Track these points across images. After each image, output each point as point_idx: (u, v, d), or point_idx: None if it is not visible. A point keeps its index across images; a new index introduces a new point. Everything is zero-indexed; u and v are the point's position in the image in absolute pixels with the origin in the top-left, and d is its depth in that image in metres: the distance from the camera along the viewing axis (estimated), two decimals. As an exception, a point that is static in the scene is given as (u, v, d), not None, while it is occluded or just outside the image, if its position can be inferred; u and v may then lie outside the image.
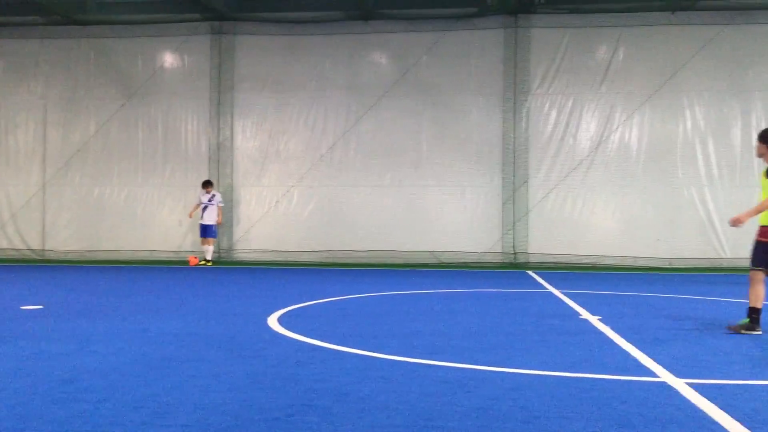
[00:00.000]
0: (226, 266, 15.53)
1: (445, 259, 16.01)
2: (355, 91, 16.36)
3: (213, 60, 16.72)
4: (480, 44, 16.09)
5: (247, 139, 16.76)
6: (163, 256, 16.69)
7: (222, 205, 15.99)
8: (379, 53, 16.52)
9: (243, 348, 5.70)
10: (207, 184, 15.81)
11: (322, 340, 6.00)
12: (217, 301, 9.00)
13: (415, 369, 4.94)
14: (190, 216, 16.02)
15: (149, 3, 16.65)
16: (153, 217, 16.93)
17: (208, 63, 16.74)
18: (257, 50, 16.64)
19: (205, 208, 15.71)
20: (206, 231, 15.76)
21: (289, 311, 7.98)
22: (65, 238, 17.03)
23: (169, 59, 16.94)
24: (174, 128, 16.90)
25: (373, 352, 5.53)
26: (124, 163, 16.96)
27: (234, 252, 16.67)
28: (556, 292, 10.38)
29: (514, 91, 15.95)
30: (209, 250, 15.69)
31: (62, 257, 16.84)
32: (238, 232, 16.70)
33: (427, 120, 16.25)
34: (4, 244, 17.10)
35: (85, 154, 16.98)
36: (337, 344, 5.83)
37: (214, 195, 15.80)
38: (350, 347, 5.70)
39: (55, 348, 5.62)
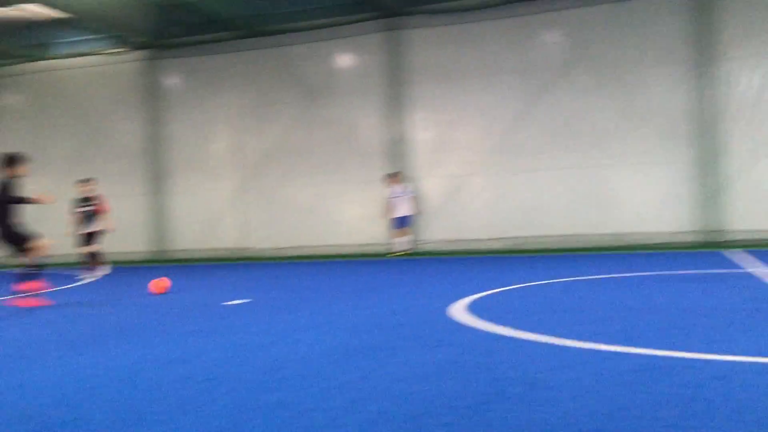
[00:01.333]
0: (410, 257, 15.88)
1: (631, 241, 15.30)
2: (529, 74, 16.05)
3: (386, 56, 17.15)
4: (659, 10, 15.19)
5: (423, 130, 17.03)
6: (349, 250, 17.40)
7: (414, 195, 16.39)
8: (550, 32, 16.09)
9: (430, 337, 5.82)
10: (393, 176, 16.13)
11: (509, 328, 5.98)
12: (402, 291, 9.25)
13: (608, 356, 4.78)
14: (387, 216, 16.38)
15: (323, 8, 17.40)
16: (337, 212, 17.70)
17: (382, 59, 17.19)
18: (428, 42, 16.84)
19: (395, 200, 16.04)
20: (402, 222, 16.14)
21: (474, 300, 8.02)
22: (261, 237, 18.28)
23: (345, 60, 17.60)
24: (352, 126, 17.55)
25: (563, 339, 5.42)
26: (309, 162, 17.88)
27: (417, 243, 17.01)
28: (758, 273, 9.56)
29: (704, 58, 14.85)
30: (404, 241, 16.14)
31: (260, 254, 18.11)
32: (420, 223, 17.01)
33: (605, 97, 15.59)
34: (210, 244, 18.66)
35: (274, 157, 18.12)
36: (525, 332, 5.78)
37: (404, 186, 16.13)
38: (538, 334, 5.63)
39: (257, 339, 6.07)
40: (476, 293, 8.56)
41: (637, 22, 15.33)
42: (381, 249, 17.15)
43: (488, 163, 16.42)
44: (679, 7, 15.05)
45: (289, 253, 17.80)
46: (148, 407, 3.99)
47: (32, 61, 19.64)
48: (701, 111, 14.92)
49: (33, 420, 3.85)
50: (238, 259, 17.96)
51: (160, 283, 9.33)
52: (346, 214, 17.63)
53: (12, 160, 9.04)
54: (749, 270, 10.04)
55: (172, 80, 19.05)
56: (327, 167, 17.71)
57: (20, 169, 9.02)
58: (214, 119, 18.59)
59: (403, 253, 16.04)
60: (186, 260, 18.31)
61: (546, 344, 5.30)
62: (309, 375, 4.61)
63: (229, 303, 8.78)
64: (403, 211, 16.02)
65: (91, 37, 18.67)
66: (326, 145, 17.74)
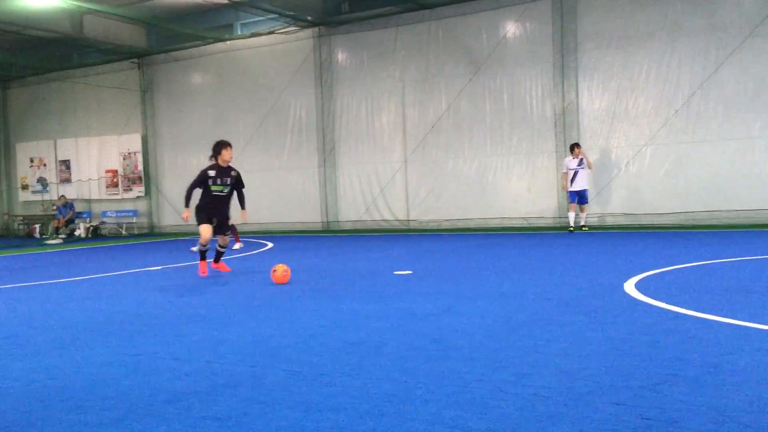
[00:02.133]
0: (575, 231, 15.40)
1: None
2: (714, 35, 14.85)
3: (555, 23, 16.56)
4: None
5: (593, 100, 16.33)
6: (514, 223, 17.17)
7: (592, 168, 15.44)
8: (738, -11, 14.75)
9: (601, 313, 5.63)
10: (574, 148, 15.13)
11: (685, 308, 5.65)
12: (571, 266, 9.00)
13: (801, 342, 4.39)
14: (564, 189, 15.46)
15: (489, -23, 17.07)
16: (503, 185, 17.48)
17: (550, 27, 16.63)
18: (600, 6, 16.05)
19: (576, 173, 15.09)
20: (579, 197, 15.15)
21: (647, 276, 7.64)
22: (426, 209, 18.47)
23: (511, 29, 17.21)
24: (519, 96, 17.17)
25: (746, 321, 5.04)
26: (474, 134, 17.75)
27: (588, 217, 16.44)
28: None
29: None
30: (582, 217, 15.27)
31: (424, 226, 18.33)
32: (594, 196, 16.36)
33: (803, 58, 14.09)
34: (376, 216, 19.14)
35: (439, 129, 18.16)
36: (703, 312, 5.43)
37: (581, 159, 15.08)
38: (718, 315, 5.27)
39: (424, 309, 6.18)
40: (653, 269, 8.15)
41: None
42: (548, 222, 16.74)
43: (664, 133, 15.44)
44: None
45: (454, 225, 17.86)
46: (321, 369, 4.19)
47: (215, 42, 20.97)
48: None
49: (218, 375, 4.18)
50: (404, 230, 18.30)
51: (280, 275, 8.40)
52: (512, 186, 17.36)
53: (219, 146, 9.63)
54: None
55: (342, 55, 19.59)
56: (493, 139, 17.49)
57: (226, 154, 9.51)
58: (381, 92, 18.91)
59: (583, 228, 15.22)
60: (353, 230, 18.92)
61: (729, 325, 4.95)
62: (475, 347, 4.63)
63: (398, 272, 8.98)
64: (582, 184, 15.08)
65: (267, 17, 19.59)
66: (492, 117, 17.50)
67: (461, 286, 7.58)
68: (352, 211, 19.47)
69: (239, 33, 20.41)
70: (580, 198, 15.15)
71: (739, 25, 14.59)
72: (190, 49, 21.69)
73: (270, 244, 15.34)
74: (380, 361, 4.32)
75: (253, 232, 19.33)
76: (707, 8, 14.92)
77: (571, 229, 15.15)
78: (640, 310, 5.69)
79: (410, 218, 18.69)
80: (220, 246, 9.86)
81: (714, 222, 14.83)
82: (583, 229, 15.18)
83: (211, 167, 9.51)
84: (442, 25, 18.00)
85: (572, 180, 15.10)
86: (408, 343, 4.81)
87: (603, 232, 14.98)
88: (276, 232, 19.49)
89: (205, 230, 9.35)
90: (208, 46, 21.29)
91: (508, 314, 5.74)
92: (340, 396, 3.63)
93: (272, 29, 19.90)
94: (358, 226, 19.16)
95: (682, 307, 5.70)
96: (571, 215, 15.21)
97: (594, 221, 16.18)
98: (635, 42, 15.64)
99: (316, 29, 19.69)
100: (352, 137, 19.49)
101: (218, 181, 9.43)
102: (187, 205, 9.40)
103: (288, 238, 17.06)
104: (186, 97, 22.15)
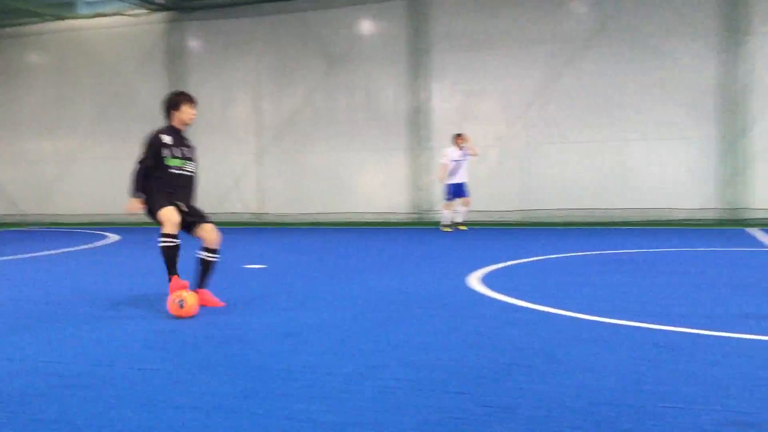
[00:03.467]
0: (426, 227, 15.88)
1: (654, 216, 15.18)
2: (555, 44, 15.83)
3: (409, 23, 16.96)
4: (691, -17, 14.83)
5: (444, 100, 16.90)
6: (369, 218, 17.44)
7: (478, 153, 14.40)
8: (579, 2, 15.81)
9: (449, 307, 5.85)
10: (458, 137, 14.12)
11: (527, 301, 5.99)
12: (421, 262, 9.27)
13: (625, 331, 4.79)
14: (441, 179, 14.32)
15: (346, -27, 17.21)
16: (358, 180, 17.70)
17: (405, 26, 17.02)
18: (453, 9, 16.63)
19: (457, 165, 14.05)
20: (459, 191, 14.15)
21: (496, 271, 8.03)
22: (281, 202, 18.33)
23: (367, 26, 17.44)
24: (374, 93, 17.45)
25: (581, 313, 5.42)
26: (330, 129, 17.84)
27: (434, 213, 16.99)
28: (784, 251, 9.47)
29: (732, 32, 14.56)
30: (462, 213, 14.31)
31: (279, 220, 18.19)
32: (438, 192, 16.92)
33: (632, 70, 15.35)
34: (230, 209, 18.77)
35: (295, 123, 18.09)
36: (543, 305, 5.79)
37: (465, 150, 14.03)
38: (556, 308, 5.64)
39: (277, 303, 6.14)
40: (498, 264, 8.57)
41: (666, -6, 15.05)
42: (402, 218, 17.14)
43: (509, 135, 16.29)
44: (710, -22, 14.73)
45: (309, 219, 17.86)
46: (168, 366, 4.06)
47: (54, 20, 19.66)
48: (729, 87, 14.66)
49: (53, 375, 3.94)
50: (257, 224, 18.07)
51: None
52: (367, 181, 17.63)
53: (178, 99, 6.44)
54: (771, 249, 9.95)
55: (195, 43, 19.00)
56: (347, 134, 17.66)
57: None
58: (236, 83, 18.54)
59: (460, 226, 14.23)
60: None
61: (564, 317, 5.31)
62: (328, 341, 4.66)
63: (249, 266, 8.85)
64: (462, 176, 14.08)
65: (114, -3, 18.69)
66: (347, 112, 17.68)
67: (315, 280, 7.60)
68: (204, 203, 18.88)
69: (81, 12, 19.25)
70: (459, 191, 14.12)
71: (578, 35, 15.63)
72: (26, 26, 20.19)
73: (116, 237, 14.61)
74: (231, 356, 4.26)
75: (96, 224, 18.34)
76: (551, 18, 15.87)
77: (448, 229, 14.24)
78: (486, 304, 5.97)
79: (265, 212, 18.49)
80: (209, 252, 6.06)
81: (552, 220, 15.81)
82: (460, 227, 14.24)
83: (164, 130, 6.18)
84: (300, 18, 17.92)
85: (453, 172, 14.06)
86: (260, 338, 4.77)
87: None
88: (122, 224, 18.59)
89: (170, 213, 5.82)
90: (47, 23, 19.92)
91: (361, 309, 5.82)
92: (187, 394, 3.53)
93: (119, 11, 18.93)
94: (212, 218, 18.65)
95: (522, 299, 6.04)
96: (447, 213, 14.33)
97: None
98: (485, 46, 16.35)
99: (167, 14, 18.96)
100: (205, 128, 18.95)
101: (177, 152, 6.09)
102: (139, 189, 5.93)
103: (135, 231, 16.33)
104: (21, 78, 20.62)
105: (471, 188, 16.67)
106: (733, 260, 8.88)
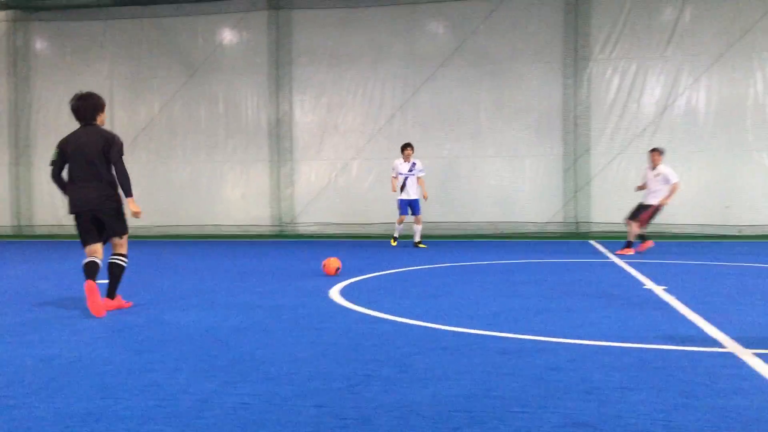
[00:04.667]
0: (288, 239, 15.80)
1: (505, 230, 15.93)
2: (412, 62, 16.30)
3: (271, 35, 16.88)
4: (538, 10, 15.79)
5: (305, 113, 16.93)
6: (228, 230, 17.10)
7: (423, 174, 13.28)
8: (435, 23, 16.39)
9: (308, 319, 5.84)
10: (405, 148, 13.14)
11: (383, 312, 6.09)
12: (280, 274, 9.20)
13: (476, 340, 4.98)
14: (394, 190, 13.44)
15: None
16: (218, 192, 17.32)
17: (266, 38, 16.91)
18: (314, 24, 16.72)
19: (406, 179, 13.10)
20: (411, 207, 13.19)
21: (351, 283, 8.10)
22: (134, 214, 17.56)
23: (228, 36, 17.17)
24: (234, 104, 17.19)
25: (435, 323, 5.59)
26: (188, 139, 17.37)
27: (296, 225, 16.94)
28: (620, 262, 10.23)
29: (575, 58, 15.63)
30: (418, 231, 13.22)
31: (133, 232, 17.39)
32: (299, 205, 16.95)
33: (485, 90, 16.09)
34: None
35: (151, 132, 17.46)
36: (399, 316, 5.91)
37: (414, 163, 13.11)
38: (412, 319, 5.78)
39: (126, 319, 5.87)
40: (357, 276, 8.65)
41: (517, 19, 15.87)
42: (264, 230, 16.92)
43: (370, 148, 16.55)
44: (555, 6, 15.72)
45: (166, 231, 17.24)
46: (5, 391, 3.78)
47: None
48: (573, 108, 15.69)
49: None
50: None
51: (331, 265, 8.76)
52: (226, 193, 17.28)
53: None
54: (612, 259, 10.71)
55: (42, 44, 17.89)
56: (208, 145, 17.25)
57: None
58: (86, 89, 17.54)
59: (419, 244, 13.18)
60: (51, 236, 17.35)
61: (419, 327, 5.44)
62: (182, 357, 4.52)
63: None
64: (413, 192, 13.14)
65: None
66: (208, 123, 17.27)
67: (169, 295, 7.35)
68: (49, 214, 17.82)
69: None
70: (412, 209, 13.19)
71: (434, 55, 16.19)
72: None
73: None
74: (76, 378, 4.02)
75: None
76: (407, 37, 16.33)
77: (393, 242, 13.57)
78: (343, 315, 6.01)
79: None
80: (116, 257, 6.42)
81: (413, 233, 16.15)
82: (419, 245, 13.15)
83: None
84: (156, 23, 17.35)
85: (402, 187, 13.20)
86: (108, 357, 4.54)
87: (312, 240, 15.54)
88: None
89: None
90: None
91: (217, 323, 5.69)
92: (27, 419, 3.30)
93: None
94: (57, 231, 17.58)
95: (380, 311, 6.14)
96: (399, 227, 13.58)
97: (305, 230, 16.73)
98: (345, 61, 16.56)
99: (10, 12, 17.75)
100: (51, 134, 17.84)
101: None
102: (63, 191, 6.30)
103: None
104: None
105: (330, 201, 16.75)
106: (577, 270, 9.48)
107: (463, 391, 3.71)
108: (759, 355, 4.37)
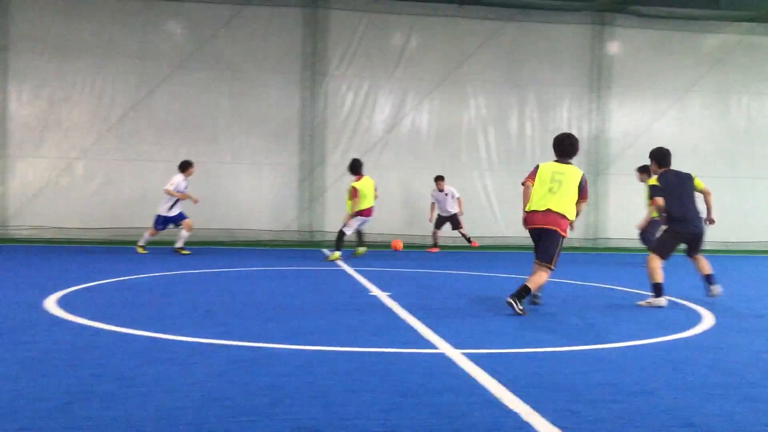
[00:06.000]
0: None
1: (241, 237, 15.83)
2: (148, 61, 15.55)
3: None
4: (279, 22, 15.99)
5: (23, 105, 15.33)
6: None
7: (172, 187, 12.96)
8: (174, 22, 15.84)
9: (17, 332, 5.28)
10: (188, 167, 13.16)
11: (105, 323, 5.71)
12: (-15, 283, 8.22)
13: (205, 349, 4.88)
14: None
15: None
16: None
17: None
18: (35, 7, 15.22)
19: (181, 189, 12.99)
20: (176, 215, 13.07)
21: (70, 292, 7.48)
22: None
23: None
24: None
25: (161, 333, 5.37)
26: None
27: (8, 229, 15.22)
28: (350, 270, 10.69)
29: (312, 72, 16.08)
30: (183, 236, 13.02)
31: None
32: (12, 207, 15.26)
33: (224, 95, 15.90)
34: None
35: None
36: (123, 326, 5.58)
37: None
38: (136, 329, 5.49)
39: None
40: (73, 286, 8.00)
41: (258, 29, 15.84)
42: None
43: (98, 148, 15.40)
44: (295, 20, 15.98)
45: None
46: None
47: None
48: (309, 121, 16.07)
49: None
50: None
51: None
52: None
53: None
54: (342, 267, 11.14)
55: None
56: None
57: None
58: None
59: (183, 250, 12.90)
60: None
61: (143, 338, 5.19)
62: None
63: None
64: (176, 207, 13.08)
65: None
66: None
67: None
68: None
69: None
70: (178, 216, 13.09)
71: (170, 55, 15.61)
72: None
73: None
74: None
75: None
76: (140, 35, 15.54)
77: (186, 252, 12.92)
78: (60, 328, 5.54)
79: None
80: None
81: (133, 238, 15.38)
82: (183, 252, 12.86)
83: None
84: None
85: (173, 205, 13.05)
86: None
87: (26, 245, 14.11)
88: None
89: None
90: None
91: None
92: None
93: None
94: None
95: (101, 322, 5.74)
96: (148, 236, 13.06)
97: (18, 234, 15.13)
98: (71, 52, 15.31)
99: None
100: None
101: None
102: None
103: None
104: None
105: (49, 203, 15.35)
106: (309, 278, 9.72)
107: (192, 403, 3.60)
108: (467, 355, 4.83)
